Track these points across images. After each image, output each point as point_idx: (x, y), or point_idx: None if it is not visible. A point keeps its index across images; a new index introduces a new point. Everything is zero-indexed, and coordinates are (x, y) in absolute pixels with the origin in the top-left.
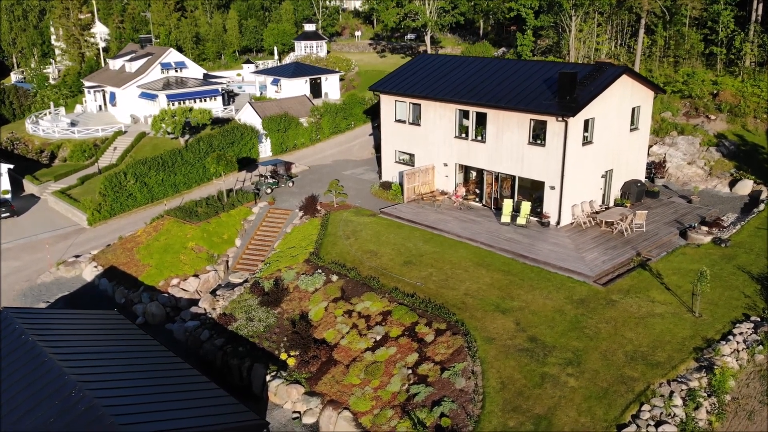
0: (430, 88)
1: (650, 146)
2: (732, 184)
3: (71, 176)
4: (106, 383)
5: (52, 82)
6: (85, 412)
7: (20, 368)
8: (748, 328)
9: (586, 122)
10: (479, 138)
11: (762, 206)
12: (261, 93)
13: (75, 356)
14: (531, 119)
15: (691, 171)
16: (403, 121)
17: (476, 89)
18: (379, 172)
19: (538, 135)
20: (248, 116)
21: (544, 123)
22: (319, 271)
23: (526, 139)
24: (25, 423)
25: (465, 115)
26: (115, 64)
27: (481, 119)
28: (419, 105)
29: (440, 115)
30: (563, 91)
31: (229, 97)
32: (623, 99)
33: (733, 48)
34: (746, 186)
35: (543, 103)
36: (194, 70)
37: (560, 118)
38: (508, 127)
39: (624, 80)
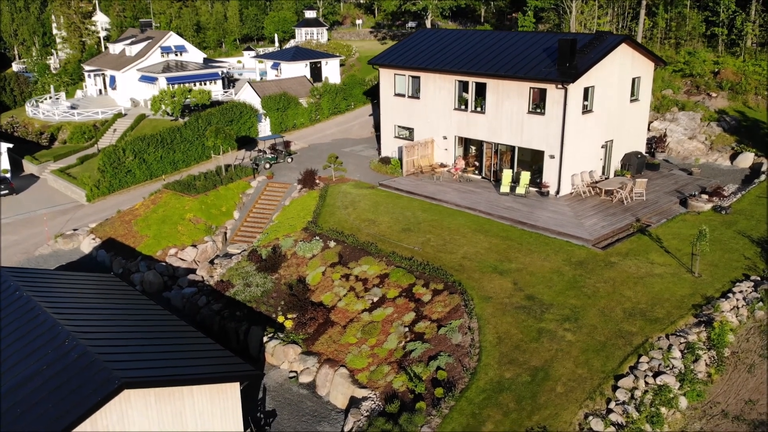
0: (429, 60)
1: (651, 122)
2: (733, 158)
3: (71, 156)
4: (100, 334)
5: (53, 71)
6: (78, 359)
7: (14, 321)
8: (748, 287)
9: (586, 90)
10: (479, 109)
11: (763, 177)
12: (261, 78)
13: (69, 311)
14: (531, 87)
15: (692, 145)
16: (403, 95)
17: (476, 60)
18: (379, 149)
19: (537, 103)
20: (247, 96)
21: (544, 91)
22: (317, 238)
23: (525, 108)
24: (18, 371)
25: (464, 86)
26: (115, 48)
27: (481, 90)
28: (418, 78)
29: (439, 87)
30: (563, 58)
31: (229, 81)
32: (623, 68)
33: (735, 29)
34: (747, 159)
35: (543, 70)
36: (194, 54)
37: (560, 85)
38: (507, 97)
39: (624, 49)
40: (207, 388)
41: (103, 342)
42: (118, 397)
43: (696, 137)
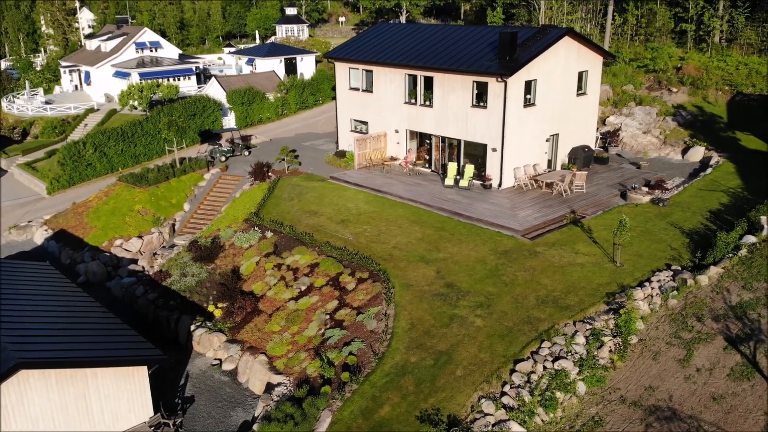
0: (381, 54)
1: (607, 117)
2: (684, 152)
3: (39, 151)
4: (11, 317)
5: (38, 68)
6: None
7: None
8: (667, 276)
9: (528, 84)
10: (427, 103)
11: (710, 170)
12: (238, 74)
13: None
14: (473, 81)
15: (646, 140)
16: (357, 89)
17: (425, 54)
18: (337, 142)
19: (480, 97)
20: (213, 90)
21: (486, 84)
22: (256, 228)
23: (469, 101)
24: None
25: (414, 80)
26: (91, 45)
27: (429, 83)
28: (371, 71)
29: (390, 81)
30: (503, 52)
31: (205, 77)
32: (569, 62)
33: (703, 25)
34: (698, 153)
35: (485, 63)
36: (169, 50)
37: (500, 78)
38: (453, 90)
39: (568, 43)
40: (112, 371)
41: (12, 325)
42: (16, 377)
43: (650, 132)
